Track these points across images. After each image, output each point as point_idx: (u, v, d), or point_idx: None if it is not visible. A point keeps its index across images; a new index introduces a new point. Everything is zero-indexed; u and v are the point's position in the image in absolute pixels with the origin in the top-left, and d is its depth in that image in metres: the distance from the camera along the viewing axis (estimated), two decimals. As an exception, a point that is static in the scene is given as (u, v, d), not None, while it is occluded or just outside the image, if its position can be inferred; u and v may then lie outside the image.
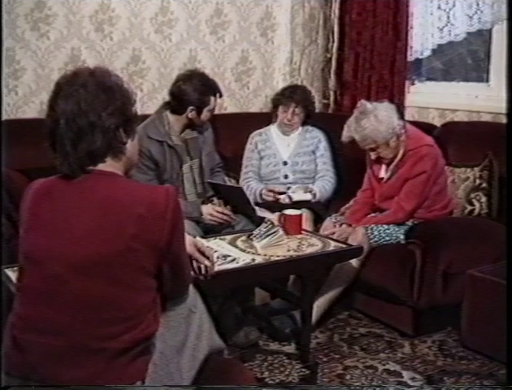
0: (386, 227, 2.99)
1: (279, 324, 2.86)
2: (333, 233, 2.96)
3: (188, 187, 3.15)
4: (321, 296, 2.88)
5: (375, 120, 2.88)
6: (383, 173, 3.11)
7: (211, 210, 3.01)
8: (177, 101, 3.08)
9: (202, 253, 1.95)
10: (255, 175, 3.63)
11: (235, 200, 3.10)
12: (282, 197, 3.44)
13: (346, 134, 2.99)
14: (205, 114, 3.09)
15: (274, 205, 3.38)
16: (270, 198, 3.44)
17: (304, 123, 3.70)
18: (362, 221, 3.06)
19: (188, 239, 1.81)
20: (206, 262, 1.96)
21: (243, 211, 3.08)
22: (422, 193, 2.97)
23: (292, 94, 3.62)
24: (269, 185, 3.53)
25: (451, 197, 3.16)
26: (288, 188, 3.52)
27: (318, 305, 2.86)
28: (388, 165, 3.07)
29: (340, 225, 3.10)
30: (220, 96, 3.15)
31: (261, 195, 3.48)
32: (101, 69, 1.60)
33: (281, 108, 3.62)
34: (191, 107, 3.04)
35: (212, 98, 3.07)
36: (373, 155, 3.00)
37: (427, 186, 2.97)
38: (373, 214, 3.13)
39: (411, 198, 2.97)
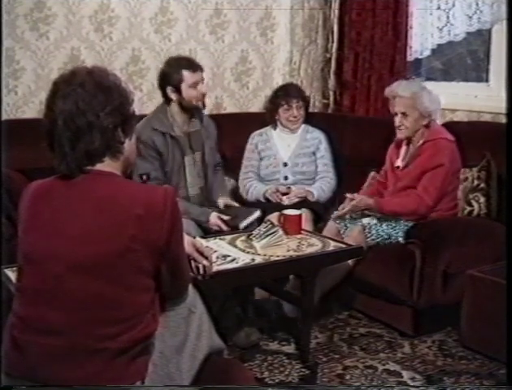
0: (385, 226, 2.99)
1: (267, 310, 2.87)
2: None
3: (190, 180, 3.14)
4: None
5: (426, 92, 3.04)
6: (399, 162, 3.13)
7: (218, 221, 2.98)
8: (159, 87, 3.12)
9: (201, 253, 1.95)
10: (255, 175, 3.63)
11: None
12: (283, 198, 3.45)
13: (393, 88, 3.10)
14: (186, 92, 3.04)
15: (275, 206, 3.37)
16: (275, 199, 3.44)
17: (304, 122, 3.70)
18: (382, 201, 3.06)
19: (186, 239, 1.81)
20: (205, 262, 1.96)
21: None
22: (442, 187, 2.96)
23: (287, 91, 3.66)
24: (274, 186, 3.53)
25: (458, 201, 3.15)
26: (289, 188, 3.53)
27: None
28: (405, 154, 3.12)
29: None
30: (194, 70, 3.05)
31: (264, 195, 3.48)
32: (99, 68, 1.59)
33: (282, 108, 3.62)
34: (169, 87, 3.05)
35: (185, 72, 3.02)
36: (398, 121, 3.05)
37: (446, 180, 2.98)
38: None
39: (431, 190, 2.95)
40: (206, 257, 1.97)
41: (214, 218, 2.99)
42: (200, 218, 3.00)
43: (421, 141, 3.06)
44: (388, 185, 3.20)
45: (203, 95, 3.12)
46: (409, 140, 3.13)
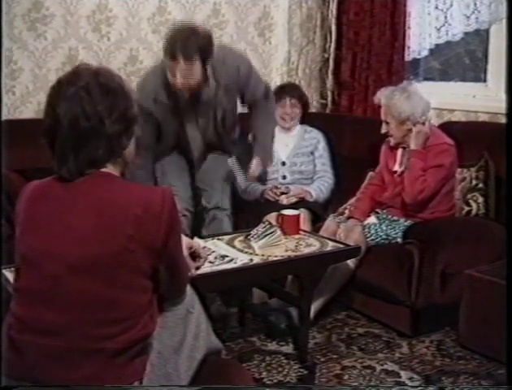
0: (384, 227, 3.00)
1: (275, 320, 2.86)
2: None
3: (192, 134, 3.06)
4: (317, 296, 2.87)
5: (405, 97, 3.02)
6: (397, 166, 3.13)
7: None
8: None
9: (194, 258, 1.97)
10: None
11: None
12: (281, 197, 3.45)
13: (379, 95, 3.14)
14: (169, 76, 2.74)
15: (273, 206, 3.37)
16: (273, 196, 3.44)
17: (302, 123, 3.71)
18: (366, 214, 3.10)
19: (184, 240, 1.81)
20: (193, 271, 1.98)
21: None
22: (436, 187, 2.96)
23: (283, 89, 3.69)
24: (273, 185, 3.54)
25: (455, 201, 3.15)
26: (287, 187, 3.53)
27: (314, 305, 2.85)
28: (402, 158, 3.11)
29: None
30: (172, 59, 2.65)
31: (262, 194, 3.48)
32: (104, 69, 1.57)
33: (277, 105, 3.64)
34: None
35: (167, 57, 2.69)
36: (383, 129, 3.09)
37: (442, 181, 2.98)
38: (377, 210, 3.16)
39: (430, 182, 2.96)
40: (201, 258, 1.98)
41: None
42: None
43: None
44: (385, 189, 3.19)
45: (181, 84, 2.72)
46: (403, 145, 3.12)
